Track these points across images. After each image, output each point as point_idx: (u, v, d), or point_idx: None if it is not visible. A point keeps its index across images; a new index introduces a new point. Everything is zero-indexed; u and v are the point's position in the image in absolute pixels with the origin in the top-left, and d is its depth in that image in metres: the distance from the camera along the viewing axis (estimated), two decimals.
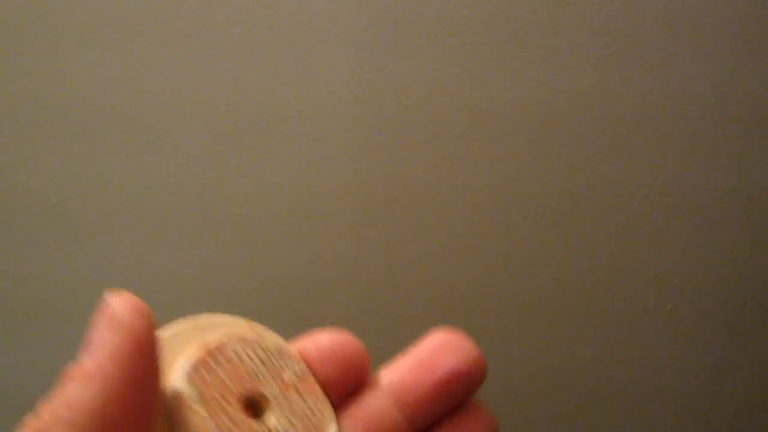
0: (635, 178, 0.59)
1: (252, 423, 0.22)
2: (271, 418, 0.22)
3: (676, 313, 0.61)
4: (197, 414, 0.21)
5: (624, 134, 0.59)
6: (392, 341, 0.58)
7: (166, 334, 0.23)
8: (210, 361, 0.22)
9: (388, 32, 0.57)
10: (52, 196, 0.59)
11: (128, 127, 0.59)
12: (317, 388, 0.23)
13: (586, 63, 0.58)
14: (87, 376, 0.19)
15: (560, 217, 0.59)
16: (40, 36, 0.58)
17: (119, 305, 0.20)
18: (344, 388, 0.23)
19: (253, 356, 0.23)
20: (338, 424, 0.23)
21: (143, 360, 0.19)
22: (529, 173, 0.59)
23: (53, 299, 0.61)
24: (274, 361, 0.23)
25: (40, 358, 0.61)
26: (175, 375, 0.22)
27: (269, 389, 0.22)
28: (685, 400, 0.62)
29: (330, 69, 0.58)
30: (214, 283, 0.60)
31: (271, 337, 0.24)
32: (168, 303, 0.60)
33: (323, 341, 0.23)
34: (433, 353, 0.22)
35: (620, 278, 0.60)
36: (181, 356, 0.22)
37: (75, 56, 0.58)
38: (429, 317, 0.60)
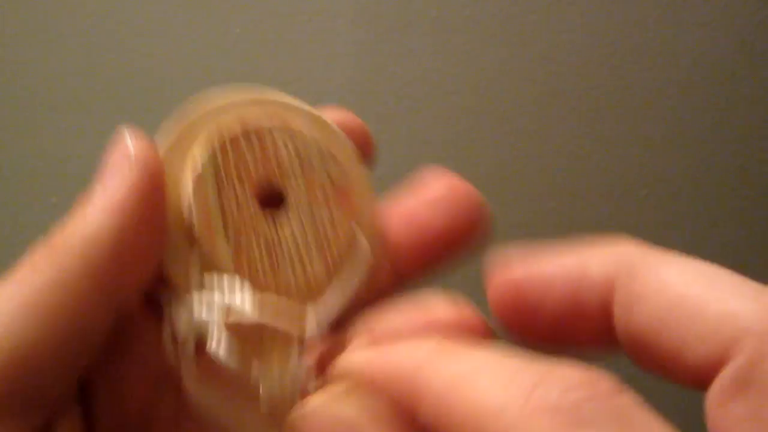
0: (635, 178, 0.59)
1: (258, 211, 0.20)
2: (282, 215, 0.20)
3: None
4: (205, 185, 0.20)
5: (624, 134, 0.59)
6: None
7: (216, 100, 0.21)
8: (242, 140, 0.20)
9: (387, 32, 0.57)
10: (52, 195, 0.59)
11: (129, 122, 0.59)
12: (355, 204, 0.21)
13: (586, 62, 0.58)
14: (103, 208, 0.19)
15: (560, 217, 0.59)
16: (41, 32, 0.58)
17: (135, 141, 0.19)
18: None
19: (292, 149, 0.20)
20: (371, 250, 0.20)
21: (156, 194, 0.19)
22: (529, 173, 0.59)
23: None
24: (314, 161, 0.20)
25: None
26: (202, 145, 0.20)
27: (294, 187, 0.20)
28: (685, 400, 0.62)
29: (330, 68, 0.58)
30: None
31: (326, 135, 0.21)
32: None
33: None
34: (428, 206, 0.20)
35: None
36: (217, 127, 0.20)
37: (71, 58, 0.58)
38: None
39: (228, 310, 0.19)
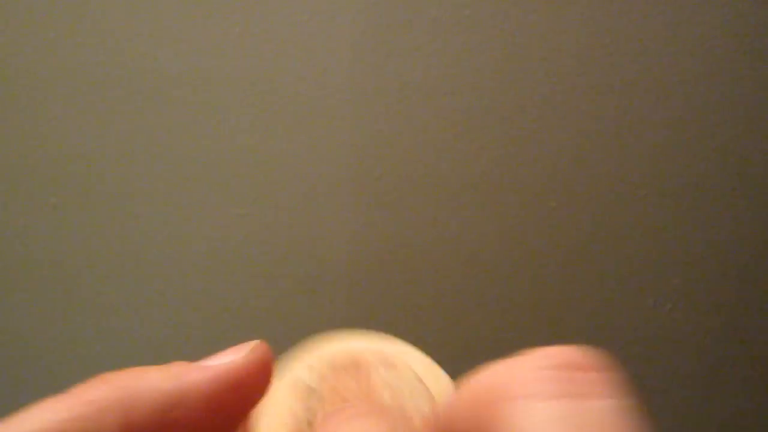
0: (635, 178, 0.59)
1: None
2: None
3: (676, 313, 0.61)
4: (290, 393, 0.21)
5: (624, 134, 0.59)
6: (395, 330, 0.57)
7: (331, 339, 0.23)
8: (340, 366, 0.22)
9: (387, 32, 0.57)
10: (52, 196, 0.59)
11: (129, 123, 0.59)
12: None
13: (586, 63, 0.58)
14: (207, 370, 0.19)
15: (560, 216, 0.59)
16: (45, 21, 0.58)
17: (256, 346, 0.20)
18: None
19: (385, 379, 0.22)
20: None
21: (260, 377, 0.20)
22: (529, 173, 0.59)
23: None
24: (405, 392, 0.22)
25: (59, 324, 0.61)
26: (304, 364, 0.22)
27: None
28: (685, 400, 0.62)
29: (330, 68, 0.58)
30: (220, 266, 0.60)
31: (425, 371, 0.23)
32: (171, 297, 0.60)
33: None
34: None
35: (620, 278, 0.60)
36: (321, 352, 0.22)
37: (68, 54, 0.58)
38: (428, 317, 0.60)
39: None
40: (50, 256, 0.60)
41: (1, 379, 0.62)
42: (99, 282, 0.60)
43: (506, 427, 0.15)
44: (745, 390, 0.62)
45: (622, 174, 0.59)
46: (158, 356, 0.61)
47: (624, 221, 0.60)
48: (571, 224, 0.60)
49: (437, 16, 0.57)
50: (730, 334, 0.61)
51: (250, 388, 0.20)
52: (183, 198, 0.59)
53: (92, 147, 0.59)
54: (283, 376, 0.22)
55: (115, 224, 0.60)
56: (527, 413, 0.15)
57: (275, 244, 0.60)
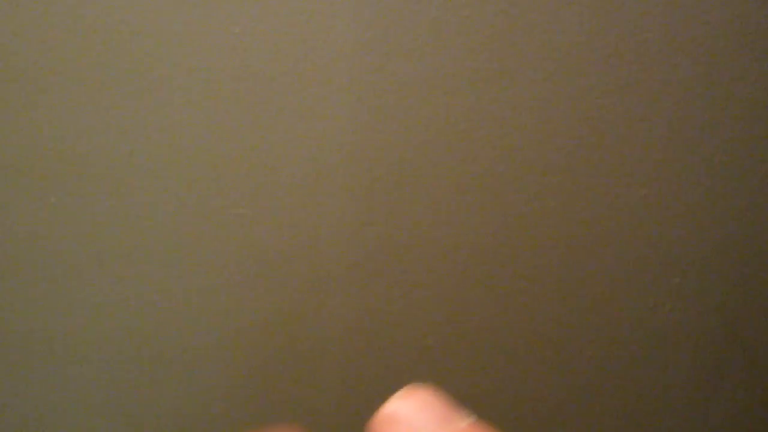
0: (635, 177, 0.59)
1: None
2: None
3: (676, 313, 0.61)
4: None
5: (624, 134, 0.59)
6: (389, 336, 0.58)
7: None
8: None
9: (387, 32, 0.57)
10: (51, 195, 0.59)
11: (128, 123, 0.59)
12: None
13: (586, 62, 0.58)
14: None
15: (559, 216, 0.59)
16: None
17: None
18: None
19: None
20: None
21: None
22: (528, 173, 0.59)
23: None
24: None
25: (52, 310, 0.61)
26: None
27: None
28: (685, 400, 0.62)
29: (329, 67, 0.58)
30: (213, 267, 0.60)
31: None
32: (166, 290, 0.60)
33: None
34: None
35: (620, 278, 0.60)
36: None
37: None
38: (428, 317, 0.60)
39: None
40: (50, 255, 0.60)
41: (0, 378, 0.62)
42: (99, 281, 0.60)
43: None
44: (745, 390, 0.62)
45: (622, 173, 0.59)
46: (157, 355, 0.61)
47: (624, 221, 0.60)
48: (571, 224, 0.59)
49: (437, 16, 0.57)
50: (730, 334, 0.61)
51: None
52: (183, 197, 0.59)
53: (92, 146, 0.59)
54: None
55: (115, 224, 0.60)
56: None
57: (275, 244, 0.60)
